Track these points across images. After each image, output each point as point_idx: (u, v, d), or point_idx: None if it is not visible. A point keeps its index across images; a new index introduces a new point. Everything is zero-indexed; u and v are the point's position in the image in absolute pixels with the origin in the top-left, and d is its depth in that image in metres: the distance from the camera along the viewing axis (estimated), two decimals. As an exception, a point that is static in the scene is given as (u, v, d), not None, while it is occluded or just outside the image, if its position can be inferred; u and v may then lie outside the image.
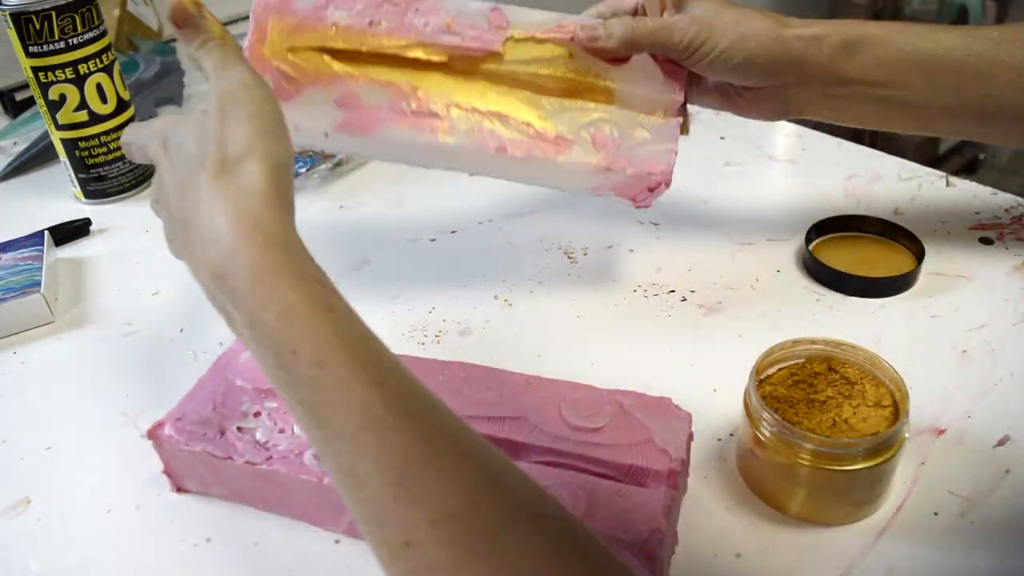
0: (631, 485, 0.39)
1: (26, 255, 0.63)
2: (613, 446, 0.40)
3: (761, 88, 0.53)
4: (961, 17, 2.00)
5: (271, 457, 0.42)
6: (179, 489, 0.46)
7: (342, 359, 0.30)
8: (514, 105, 0.51)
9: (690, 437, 0.41)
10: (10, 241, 0.66)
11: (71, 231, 0.70)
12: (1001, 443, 0.45)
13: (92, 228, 0.71)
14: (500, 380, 0.45)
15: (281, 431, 0.43)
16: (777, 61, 0.50)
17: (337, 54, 0.50)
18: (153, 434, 0.44)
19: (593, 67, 0.52)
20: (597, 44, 0.51)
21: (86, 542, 0.44)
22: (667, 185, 0.53)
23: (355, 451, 0.29)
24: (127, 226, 0.71)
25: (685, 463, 0.40)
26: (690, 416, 0.42)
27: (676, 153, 0.53)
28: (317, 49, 0.49)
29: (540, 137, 0.51)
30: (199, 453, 0.43)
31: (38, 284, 0.59)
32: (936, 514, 0.42)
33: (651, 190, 0.53)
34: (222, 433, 0.43)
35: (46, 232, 0.67)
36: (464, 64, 0.51)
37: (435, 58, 0.51)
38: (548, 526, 0.28)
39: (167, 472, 0.45)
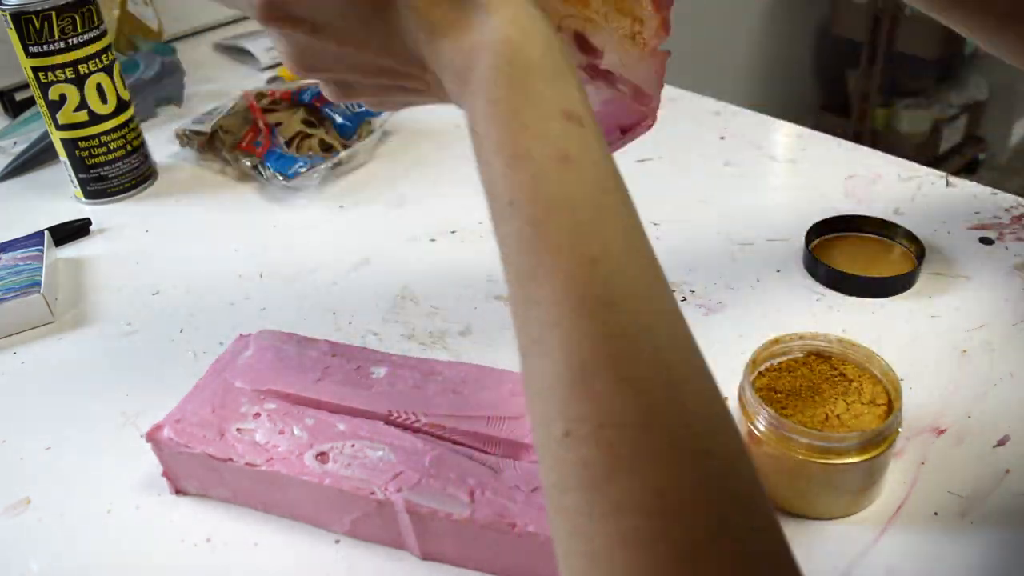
0: None
1: (26, 255, 0.63)
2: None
3: None
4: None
5: (271, 458, 0.42)
6: (178, 491, 0.46)
7: (559, 223, 0.26)
8: None
9: None
10: (10, 241, 0.66)
11: (71, 231, 0.70)
12: (1001, 443, 0.45)
13: (92, 228, 0.71)
14: (499, 380, 0.45)
15: (281, 432, 0.43)
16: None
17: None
18: (152, 436, 0.44)
19: None
20: None
21: (86, 542, 0.44)
22: (653, 121, 0.42)
23: (546, 321, 0.26)
24: (127, 226, 0.71)
25: None
26: None
27: (661, 87, 0.42)
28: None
29: None
30: (199, 455, 0.43)
31: (38, 284, 0.59)
32: (936, 514, 0.42)
33: (628, 129, 0.41)
34: (222, 435, 0.43)
35: (46, 232, 0.67)
36: None
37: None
38: (711, 466, 0.25)
39: (166, 475, 0.45)
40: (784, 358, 0.45)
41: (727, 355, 0.52)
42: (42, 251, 0.63)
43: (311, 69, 0.34)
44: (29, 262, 0.62)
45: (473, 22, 0.28)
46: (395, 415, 0.43)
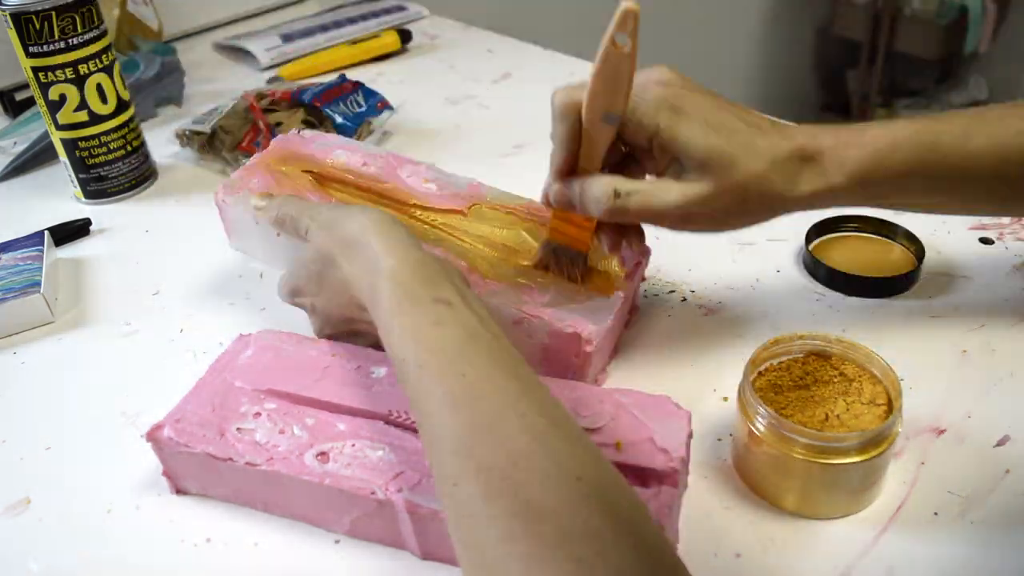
0: (631, 484, 0.39)
1: (26, 255, 0.63)
2: (612, 445, 0.40)
3: None
4: (961, 17, 2.00)
5: (271, 458, 0.42)
6: (179, 491, 0.46)
7: (438, 359, 0.37)
8: (459, 251, 0.52)
9: (689, 435, 0.41)
10: (10, 241, 0.66)
11: (71, 231, 0.70)
12: (1001, 443, 0.45)
13: (92, 228, 0.71)
14: None
15: (281, 432, 0.43)
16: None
17: (319, 178, 0.57)
18: (152, 436, 0.44)
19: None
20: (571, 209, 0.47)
21: (86, 542, 0.44)
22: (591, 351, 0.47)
23: (432, 412, 0.36)
24: (127, 226, 0.71)
25: (685, 462, 0.40)
26: (689, 414, 0.42)
27: (611, 320, 0.48)
28: (305, 171, 0.57)
29: (472, 272, 0.50)
30: (199, 455, 0.43)
31: (38, 284, 0.59)
32: (936, 514, 0.42)
33: (575, 356, 0.47)
34: (222, 434, 0.43)
35: (46, 232, 0.67)
36: (429, 216, 0.55)
37: (406, 201, 0.56)
38: (583, 487, 0.32)
39: (167, 474, 0.45)
40: (784, 358, 0.45)
41: (727, 355, 0.52)
42: (42, 251, 0.63)
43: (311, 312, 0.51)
44: (29, 262, 0.62)
45: (372, 267, 0.42)
46: (395, 415, 0.43)
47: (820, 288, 0.58)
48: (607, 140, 0.45)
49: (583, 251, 0.50)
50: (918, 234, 0.59)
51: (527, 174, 0.75)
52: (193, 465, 0.44)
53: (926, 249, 0.58)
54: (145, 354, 0.57)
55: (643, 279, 0.54)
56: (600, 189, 0.45)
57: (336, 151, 0.59)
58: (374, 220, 0.44)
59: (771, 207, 0.47)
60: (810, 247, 0.60)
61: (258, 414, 0.44)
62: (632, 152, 0.48)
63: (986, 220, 0.63)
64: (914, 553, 0.40)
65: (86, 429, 0.51)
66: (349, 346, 0.48)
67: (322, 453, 0.42)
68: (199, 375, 0.47)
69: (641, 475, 0.39)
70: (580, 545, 0.30)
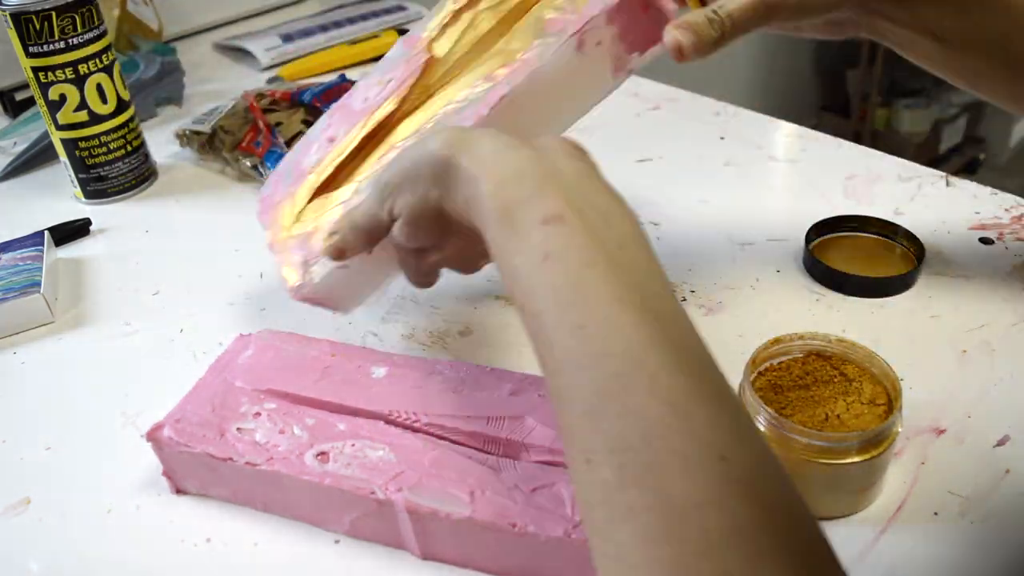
0: None
1: (26, 255, 0.63)
2: None
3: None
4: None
5: (271, 458, 0.42)
6: (179, 491, 0.46)
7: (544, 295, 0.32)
8: (471, 79, 0.48)
9: None
10: (10, 241, 0.66)
11: (71, 231, 0.70)
12: (1001, 443, 0.45)
13: (92, 228, 0.71)
14: (500, 380, 0.45)
15: (281, 432, 0.43)
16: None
17: (325, 187, 0.51)
18: (152, 436, 0.44)
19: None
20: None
21: (86, 542, 0.44)
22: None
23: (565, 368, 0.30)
24: (127, 226, 0.71)
25: None
26: None
27: None
28: (313, 197, 0.51)
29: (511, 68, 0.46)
30: (199, 454, 0.43)
31: (38, 284, 0.59)
32: (936, 514, 0.42)
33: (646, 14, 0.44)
34: (222, 434, 0.43)
35: (46, 232, 0.67)
36: (417, 96, 0.50)
37: (388, 110, 0.49)
38: (724, 470, 0.27)
39: (167, 474, 0.45)
40: (784, 358, 0.45)
41: (727, 355, 0.52)
42: (42, 251, 0.63)
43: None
44: (29, 262, 0.62)
45: (471, 197, 0.36)
46: (395, 415, 0.43)
47: (820, 288, 0.58)
48: None
49: None
50: (918, 234, 0.59)
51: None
52: (193, 465, 0.44)
53: (926, 249, 0.58)
54: (145, 354, 0.57)
55: None
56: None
57: (304, 165, 0.52)
58: (447, 141, 0.37)
59: None
60: (810, 247, 0.60)
61: (258, 414, 0.44)
62: None
63: (986, 220, 0.63)
64: (914, 553, 0.40)
65: (86, 429, 0.51)
66: (349, 346, 0.48)
67: (322, 453, 0.42)
68: (199, 375, 0.47)
69: None
70: (728, 553, 0.26)
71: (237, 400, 0.45)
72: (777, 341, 0.45)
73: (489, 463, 0.41)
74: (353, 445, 0.42)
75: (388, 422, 0.43)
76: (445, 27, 0.49)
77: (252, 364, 0.47)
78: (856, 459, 0.40)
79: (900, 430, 0.41)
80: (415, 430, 0.43)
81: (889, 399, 0.42)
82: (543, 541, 0.37)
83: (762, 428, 0.41)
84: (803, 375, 0.44)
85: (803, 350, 0.45)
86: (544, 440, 0.41)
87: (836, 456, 0.40)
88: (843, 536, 0.41)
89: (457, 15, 0.49)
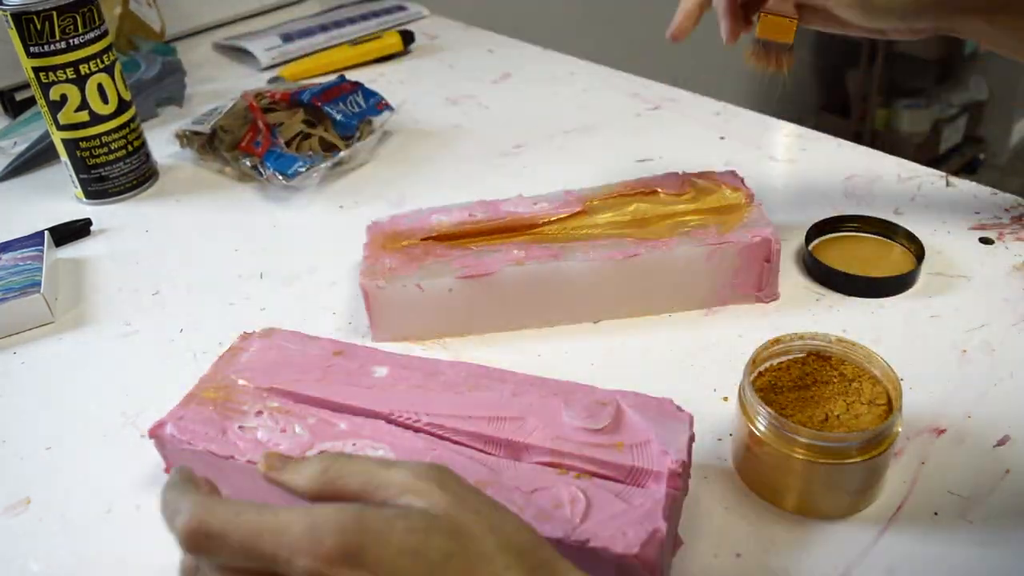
0: (631, 486, 0.39)
1: (26, 255, 0.63)
2: (613, 447, 0.40)
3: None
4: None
5: None
6: None
7: None
8: (619, 234, 0.56)
9: (691, 439, 0.41)
10: (10, 241, 0.66)
11: (71, 231, 0.70)
12: (1001, 443, 0.45)
13: (92, 228, 0.71)
14: (500, 380, 0.45)
15: (283, 431, 0.43)
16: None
17: (440, 239, 0.57)
18: (155, 433, 0.44)
19: (663, 207, 0.57)
20: None
21: (86, 542, 0.44)
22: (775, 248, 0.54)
23: None
24: (127, 226, 0.71)
25: (686, 465, 0.40)
26: (691, 417, 0.42)
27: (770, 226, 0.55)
28: (424, 239, 0.57)
29: (646, 241, 0.54)
30: (201, 452, 0.43)
31: (38, 284, 0.59)
32: (936, 514, 0.42)
33: (767, 261, 0.54)
34: (223, 432, 0.43)
35: (46, 232, 0.67)
36: (563, 227, 0.57)
37: (535, 223, 0.57)
38: None
39: (168, 472, 0.45)
40: (784, 358, 0.45)
41: (727, 355, 0.52)
42: (42, 251, 0.63)
43: None
44: (29, 262, 0.62)
45: None
46: (396, 415, 0.43)
47: (820, 288, 0.58)
48: None
49: (788, 43, 0.59)
50: (918, 234, 0.59)
51: (527, 174, 0.76)
52: (195, 463, 0.44)
53: (926, 249, 0.58)
54: (145, 354, 0.57)
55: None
56: None
57: (433, 216, 0.59)
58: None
59: None
60: (810, 247, 0.60)
61: (260, 412, 0.44)
62: None
63: (986, 220, 0.63)
64: (914, 553, 0.40)
65: (86, 429, 0.51)
66: (351, 345, 0.48)
67: (323, 452, 0.42)
68: (199, 375, 0.47)
69: (641, 477, 0.39)
70: None
71: (239, 398, 0.45)
72: (777, 341, 0.45)
73: (489, 464, 0.40)
74: (354, 444, 0.42)
75: (389, 422, 0.43)
76: (609, 198, 0.59)
77: (255, 362, 0.47)
78: (857, 459, 0.40)
79: (900, 430, 0.41)
80: (416, 430, 0.43)
81: (889, 399, 0.42)
82: None
83: (763, 428, 0.41)
84: (803, 375, 0.44)
85: (803, 350, 0.45)
86: (544, 441, 0.41)
87: (837, 456, 0.40)
88: (843, 536, 0.41)
89: (624, 193, 0.59)
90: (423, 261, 0.55)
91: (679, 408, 0.42)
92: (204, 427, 0.43)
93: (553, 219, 0.57)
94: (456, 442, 0.42)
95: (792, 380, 0.44)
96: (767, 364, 0.45)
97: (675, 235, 0.54)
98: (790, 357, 0.45)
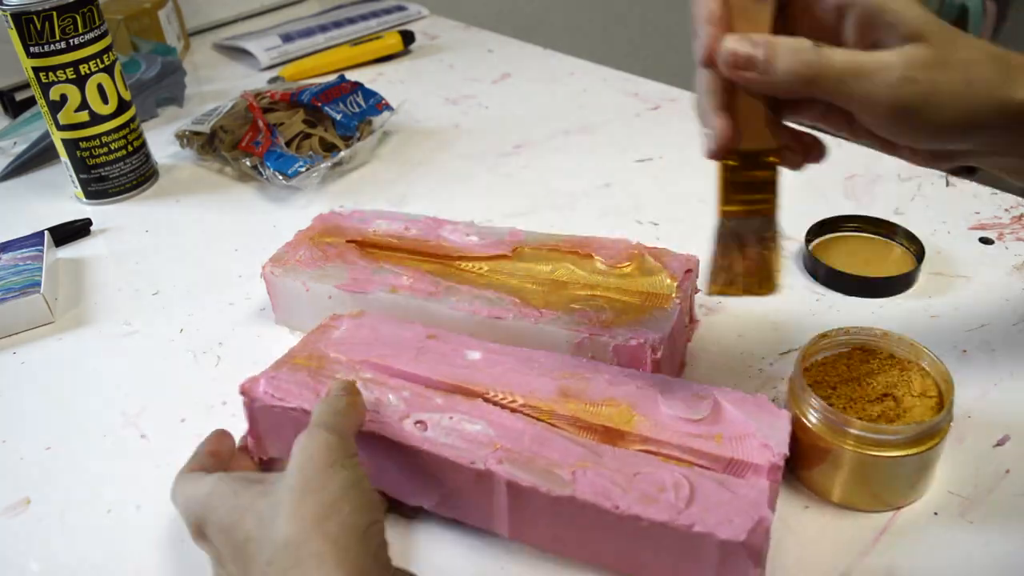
0: (731, 476, 0.38)
1: (26, 255, 0.63)
2: (712, 439, 0.40)
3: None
4: (961, 17, 2.00)
5: (371, 420, 0.41)
6: (261, 460, 0.45)
7: None
8: (510, 289, 0.52)
9: (790, 434, 0.41)
10: (10, 241, 0.66)
11: (71, 231, 0.70)
12: (1001, 443, 0.45)
13: (92, 228, 0.71)
14: (595, 370, 0.44)
15: (378, 399, 0.42)
16: (995, 129, 0.37)
17: (363, 245, 0.57)
18: (246, 389, 0.43)
19: (593, 278, 0.52)
20: (749, 75, 0.38)
21: (86, 542, 0.44)
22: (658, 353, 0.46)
23: None
24: (127, 226, 0.71)
25: (786, 458, 0.40)
26: (789, 414, 0.42)
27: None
28: (349, 240, 0.57)
29: (525, 306, 0.50)
30: (294, 411, 0.42)
31: (38, 284, 0.59)
32: (936, 514, 0.42)
33: (643, 368, 0.46)
34: (317, 395, 0.42)
35: (46, 232, 0.67)
36: (476, 264, 0.55)
37: (452, 255, 0.55)
38: None
39: (251, 434, 0.44)
40: (829, 353, 0.46)
41: (727, 355, 0.52)
42: (42, 251, 0.63)
43: None
44: (29, 262, 0.62)
45: None
46: (492, 395, 0.43)
47: (820, 288, 0.58)
48: (766, 20, 0.38)
49: (770, 215, 0.41)
50: (918, 234, 0.59)
51: (526, 174, 0.76)
52: (283, 423, 0.42)
53: (926, 249, 0.58)
54: (145, 354, 0.57)
55: (695, 291, 0.53)
56: (792, 41, 0.36)
57: (376, 221, 0.59)
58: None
59: (992, 102, 0.36)
60: (810, 247, 0.60)
61: (354, 381, 0.43)
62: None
63: (986, 220, 0.63)
64: (914, 553, 0.40)
65: (86, 429, 0.51)
66: (444, 331, 0.48)
67: (420, 422, 0.41)
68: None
69: (741, 469, 0.39)
70: None
71: (333, 368, 0.44)
72: (824, 336, 0.45)
73: (589, 446, 0.40)
74: (451, 418, 0.41)
75: (486, 400, 0.42)
76: (541, 248, 0.55)
77: (347, 338, 0.47)
78: (908, 452, 0.40)
79: (951, 424, 0.41)
80: (512, 410, 0.42)
81: (939, 392, 0.43)
82: (645, 527, 0.36)
83: (814, 420, 0.41)
84: (852, 368, 0.45)
85: (849, 344, 0.46)
86: (643, 430, 0.40)
87: (888, 449, 0.40)
88: (843, 536, 0.41)
89: (554, 252, 0.54)
90: (328, 262, 0.55)
91: (775, 404, 0.42)
92: (297, 387, 0.43)
93: (472, 256, 0.55)
94: (553, 425, 0.41)
95: (838, 375, 0.44)
96: (813, 359, 0.45)
97: (562, 310, 0.49)
98: (836, 352, 0.46)
